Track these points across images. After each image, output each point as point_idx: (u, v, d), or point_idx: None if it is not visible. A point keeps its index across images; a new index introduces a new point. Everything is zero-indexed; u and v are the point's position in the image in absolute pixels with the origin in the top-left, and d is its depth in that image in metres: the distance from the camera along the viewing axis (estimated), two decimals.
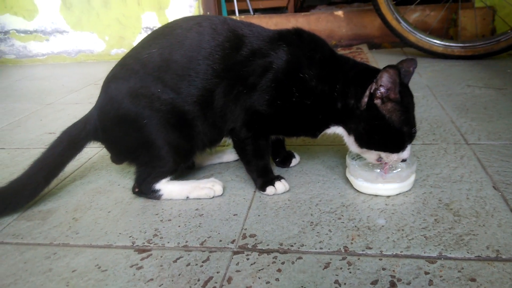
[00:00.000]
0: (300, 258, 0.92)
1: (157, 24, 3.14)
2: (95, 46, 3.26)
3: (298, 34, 1.14)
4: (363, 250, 0.93)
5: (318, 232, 1.00)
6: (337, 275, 0.86)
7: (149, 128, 1.12)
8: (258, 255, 0.94)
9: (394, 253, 0.91)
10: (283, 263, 0.91)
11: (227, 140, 1.22)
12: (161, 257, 0.95)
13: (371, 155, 1.12)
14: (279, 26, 1.16)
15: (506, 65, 2.34)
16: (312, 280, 0.85)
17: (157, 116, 1.11)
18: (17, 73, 3.06)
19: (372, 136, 1.07)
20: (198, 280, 0.87)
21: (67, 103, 2.23)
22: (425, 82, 2.12)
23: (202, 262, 0.93)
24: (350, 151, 1.18)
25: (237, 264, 0.91)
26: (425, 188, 1.15)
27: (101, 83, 1.23)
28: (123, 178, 1.34)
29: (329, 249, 0.94)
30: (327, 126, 1.14)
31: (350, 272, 0.86)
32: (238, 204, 1.14)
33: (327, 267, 0.88)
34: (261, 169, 1.18)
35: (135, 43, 1.24)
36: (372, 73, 1.04)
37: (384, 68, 0.99)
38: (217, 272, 0.89)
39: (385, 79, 1.00)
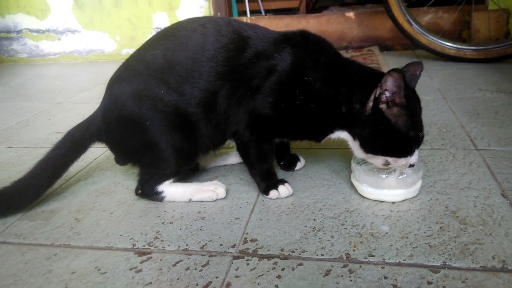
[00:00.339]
0: (300, 264, 0.90)
1: (167, 24, 3.14)
2: (106, 46, 3.28)
3: (303, 36, 1.12)
4: (365, 258, 0.91)
5: (320, 238, 0.98)
6: (337, 283, 0.84)
7: (152, 130, 1.11)
8: (259, 260, 0.92)
9: (397, 261, 0.89)
10: (283, 269, 0.89)
11: (231, 143, 1.21)
12: (160, 260, 0.95)
13: (377, 160, 1.10)
14: (289, 27, 1.15)
15: None
16: (311, 287, 0.84)
17: (160, 117, 1.11)
18: (29, 72, 3.09)
19: (377, 141, 1.05)
20: (197, 285, 0.86)
21: (76, 103, 2.24)
22: (436, 85, 2.09)
23: (202, 266, 0.92)
24: (355, 156, 1.16)
25: (237, 269, 0.90)
26: (431, 195, 1.12)
27: None
28: (127, 179, 1.33)
29: (330, 256, 0.92)
30: (332, 131, 1.13)
31: (351, 280, 0.85)
32: (241, 208, 1.13)
33: (327, 274, 0.87)
34: (265, 173, 1.17)
35: None
36: (378, 77, 1.02)
37: (389, 72, 0.97)
38: (216, 277, 0.88)
39: (389, 83, 0.98)
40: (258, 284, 0.86)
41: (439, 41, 2.46)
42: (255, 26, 1.16)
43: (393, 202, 1.10)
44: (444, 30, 2.68)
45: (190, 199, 1.17)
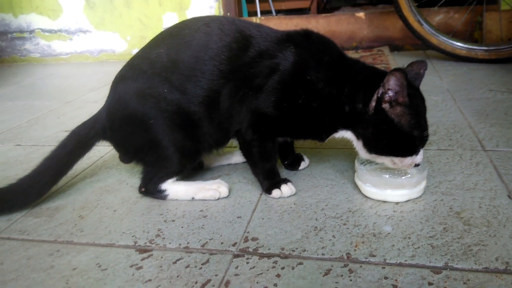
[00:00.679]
0: (300, 263, 0.90)
1: None
2: (117, 46, 3.30)
3: (306, 35, 1.12)
4: (366, 258, 0.90)
5: (321, 238, 0.98)
6: (337, 282, 0.84)
7: (156, 128, 1.12)
8: (259, 259, 0.92)
9: (398, 262, 0.88)
10: (283, 268, 0.89)
11: (234, 142, 1.21)
12: (161, 257, 0.95)
13: (384, 160, 1.10)
14: (299, 28, 1.14)
15: None
16: (310, 286, 0.83)
17: (163, 116, 1.11)
18: (41, 72, 3.13)
19: (380, 141, 1.04)
20: (196, 283, 0.86)
21: (85, 102, 2.26)
22: (445, 85, 2.07)
23: (202, 264, 0.92)
24: (359, 156, 1.15)
25: (237, 267, 0.90)
26: (436, 195, 1.11)
27: None
28: (132, 177, 1.34)
29: (331, 255, 0.92)
30: (335, 130, 1.12)
31: (351, 280, 0.84)
32: (243, 207, 1.13)
33: (327, 274, 0.86)
34: (267, 172, 1.16)
35: None
36: (381, 77, 1.01)
37: (391, 71, 0.96)
38: (216, 275, 0.88)
39: (392, 83, 0.98)
40: (257, 282, 0.85)
41: (450, 41, 2.43)
42: (259, 25, 1.16)
43: (397, 203, 1.09)
44: (455, 30, 2.65)
45: (193, 198, 1.17)
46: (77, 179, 1.36)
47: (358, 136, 1.09)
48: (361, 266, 0.88)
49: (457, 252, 0.89)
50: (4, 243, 1.04)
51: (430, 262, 0.87)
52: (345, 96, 1.06)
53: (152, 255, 0.96)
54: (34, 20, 3.36)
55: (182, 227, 1.06)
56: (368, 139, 1.06)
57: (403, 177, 1.09)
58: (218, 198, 1.17)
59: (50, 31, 3.37)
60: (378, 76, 1.03)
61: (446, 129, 1.53)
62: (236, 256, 0.94)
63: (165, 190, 1.17)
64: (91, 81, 2.71)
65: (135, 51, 3.25)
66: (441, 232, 0.96)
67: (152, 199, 1.19)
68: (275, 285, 0.84)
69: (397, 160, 1.06)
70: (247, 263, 0.91)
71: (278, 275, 0.87)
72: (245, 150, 1.17)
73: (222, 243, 0.98)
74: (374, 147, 1.06)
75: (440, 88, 2.02)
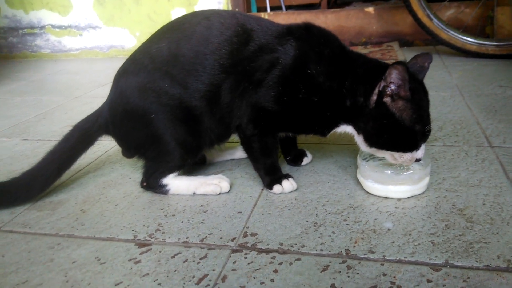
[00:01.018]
0: (298, 259, 0.89)
1: None
2: (126, 42, 3.31)
3: (307, 28, 1.10)
4: (365, 254, 0.89)
5: (321, 234, 0.97)
6: (334, 278, 0.83)
7: (157, 123, 1.12)
8: (257, 254, 0.92)
9: (397, 259, 0.87)
10: (280, 263, 0.88)
11: (237, 137, 1.20)
12: (160, 252, 0.95)
13: (385, 155, 1.08)
14: None
15: None
16: (307, 282, 0.82)
17: (165, 111, 1.11)
18: (51, 67, 3.15)
19: (381, 136, 1.03)
20: (193, 277, 0.86)
21: (93, 97, 2.27)
22: (454, 81, 2.04)
23: (200, 259, 0.92)
24: (362, 151, 1.14)
25: (234, 262, 0.90)
26: (439, 192, 1.10)
27: None
28: (135, 172, 1.34)
29: (330, 251, 0.91)
30: (336, 125, 1.11)
31: (349, 276, 0.83)
32: (244, 202, 1.12)
33: (325, 270, 0.85)
34: (269, 167, 1.16)
35: None
36: (383, 70, 0.99)
37: (392, 64, 0.94)
38: (213, 270, 0.88)
39: (394, 76, 0.96)
40: (254, 277, 0.85)
41: (460, 36, 2.40)
42: (260, 19, 1.15)
43: (399, 199, 1.08)
44: (465, 25, 2.61)
45: (194, 193, 1.17)
46: (81, 173, 1.37)
47: (359, 130, 1.07)
48: (359, 263, 0.87)
49: (458, 250, 0.88)
50: (6, 236, 1.05)
51: (430, 259, 0.86)
52: (346, 90, 1.05)
53: (151, 249, 0.96)
54: (44, 16, 3.39)
55: (182, 222, 1.05)
56: (368, 133, 1.05)
57: (405, 173, 1.07)
58: (219, 193, 1.16)
59: (60, 27, 3.40)
60: (379, 69, 1.02)
61: (453, 125, 1.51)
62: (234, 251, 0.93)
63: (167, 184, 1.17)
64: (99, 77, 2.72)
65: None
66: (442, 229, 0.95)
67: (154, 194, 1.20)
68: (272, 280, 0.84)
69: (397, 155, 1.04)
70: (245, 258, 0.91)
71: (275, 271, 0.86)
72: (246, 145, 1.16)
73: (221, 238, 0.98)
74: (374, 141, 1.05)
75: (449, 84, 1.99)
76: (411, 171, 1.08)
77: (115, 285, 0.86)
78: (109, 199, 1.19)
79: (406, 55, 2.58)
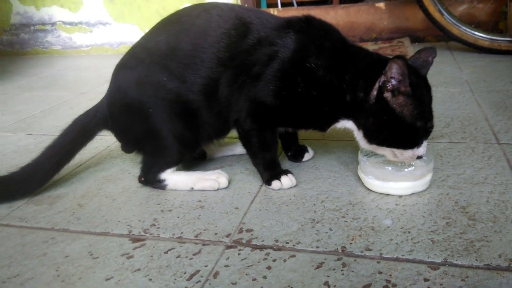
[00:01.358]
0: (293, 256, 0.87)
1: None
2: (136, 38, 3.25)
3: (307, 21, 1.08)
4: (361, 252, 0.87)
5: (317, 230, 0.94)
6: (328, 276, 0.81)
7: (154, 117, 1.10)
8: (251, 250, 0.90)
9: (394, 257, 0.84)
10: (274, 260, 0.86)
11: (236, 132, 1.18)
12: (153, 247, 0.94)
13: (384, 151, 1.06)
14: None
15: None
16: (300, 280, 0.80)
17: (162, 105, 1.09)
18: (61, 63, 3.17)
19: (381, 132, 1.00)
20: (185, 273, 0.85)
21: (100, 93, 2.23)
22: (465, 77, 1.99)
23: (193, 255, 0.90)
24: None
25: (227, 259, 0.88)
26: (442, 189, 1.06)
27: None
28: (135, 167, 1.33)
29: (325, 248, 0.89)
30: (336, 120, 1.08)
31: (343, 274, 0.81)
32: (242, 198, 1.10)
33: (319, 267, 0.83)
34: (268, 163, 1.14)
35: None
36: (384, 65, 0.96)
37: (392, 58, 0.92)
38: (205, 266, 0.86)
39: (394, 71, 0.93)
40: (246, 274, 0.83)
41: (472, 31, 2.34)
42: (259, 11, 1.13)
43: (400, 196, 1.05)
44: (477, 20, 2.55)
45: (192, 188, 1.15)
46: (82, 168, 1.36)
47: (359, 126, 1.05)
48: (355, 260, 0.84)
49: (458, 248, 0.85)
50: (2, 229, 1.05)
51: (428, 258, 0.83)
52: (346, 84, 1.02)
53: (145, 244, 0.95)
54: (55, 12, 3.41)
55: (178, 217, 1.04)
56: (368, 129, 1.02)
57: (406, 170, 1.04)
58: (218, 189, 1.15)
59: (71, 24, 3.41)
60: (381, 64, 0.99)
61: (461, 121, 1.47)
62: (228, 247, 0.92)
63: (164, 180, 1.16)
64: (108, 73, 2.67)
65: None
66: (443, 226, 0.92)
67: (152, 189, 1.18)
68: (264, 277, 0.82)
69: (397, 152, 1.02)
70: (239, 254, 0.89)
71: (268, 267, 0.84)
72: (244, 140, 1.14)
73: (216, 234, 0.97)
74: (374, 137, 1.02)
75: (459, 80, 1.95)
76: (413, 168, 1.05)
77: (106, 280, 0.85)
78: (107, 193, 1.18)
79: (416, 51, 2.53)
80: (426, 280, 0.78)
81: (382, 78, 0.96)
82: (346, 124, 1.08)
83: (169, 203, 1.11)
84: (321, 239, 0.91)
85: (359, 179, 1.14)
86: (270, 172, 1.13)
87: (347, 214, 0.99)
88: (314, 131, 1.17)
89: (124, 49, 3.33)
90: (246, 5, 3.02)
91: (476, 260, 0.81)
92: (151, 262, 0.89)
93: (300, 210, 1.03)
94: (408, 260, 0.83)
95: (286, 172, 1.13)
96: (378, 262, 0.83)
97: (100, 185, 1.24)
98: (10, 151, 1.54)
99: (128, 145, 1.22)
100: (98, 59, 3.23)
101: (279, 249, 0.90)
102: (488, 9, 2.61)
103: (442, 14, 2.36)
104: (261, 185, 1.16)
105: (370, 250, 0.87)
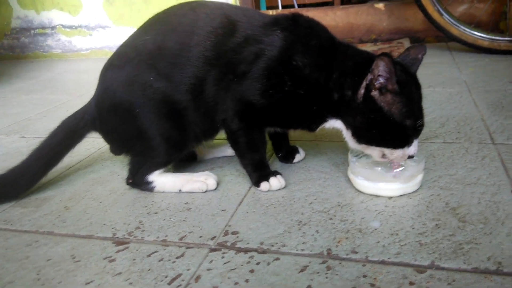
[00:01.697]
0: (277, 259, 0.85)
1: None
2: None
3: (294, 19, 1.06)
4: (347, 254, 0.84)
5: (304, 233, 0.92)
6: (311, 279, 0.79)
7: (141, 118, 1.09)
8: (235, 253, 0.88)
9: (380, 259, 0.82)
10: (258, 263, 0.84)
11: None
12: (136, 250, 0.92)
13: (373, 152, 1.03)
14: None
15: None
16: (283, 283, 0.78)
17: (150, 105, 1.08)
18: (60, 67, 3.17)
19: (369, 131, 0.98)
20: (166, 277, 0.83)
21: None
22: (463, 77, 1.96)
23: (176, 258, 0.88)
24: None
25: (211, 262, 0.86)
26: (433, 190, 1.04)
27: None
28: (125, 169, 1.30)
29: (311, 251, 0.86)
30: (324, 119, 1.06)
31: (327, 277, 0.79)
32: (229, 200, 1.09)
33: (303, 270, 0.81)
34: (256, 164, 1.12)
35: None
36: (372, 63, 0.94)
37: (378, 56, 0.90)
38: (188, 270, 0.84)
39: (381, 68, 0.91)
40: (228, 278, 0.81)
41: (471, 31, 2.31)
42: (247, 9, 1.11)
43: (390, 197, 1.03)
44: (477, 20, 2.52)
45: (180, 190, 1.14)
46: (71, 170, 1.35)
47: (348, 125, 1.03)
48: (340, 263, 0.82)
49: (446, 251, 0.83)
50: None
51: (415, 261, 0.81)
52: (334, 83, 1.00)
53: (128, 247, 0.94)
54: (55, 16, 3.41)
55: (163, 220, 1.02)
56: (357, 128, 1.00)
57: (396, 170, 1.02)
58: (206, 191, 1.13)
59: (70, 27, 3.42)
60: (369, 62, 0.96)
61: (456, 121, 1.45)
62: (212, 250, 0.90)
63: (152, 181, 1.14)
64: None
65: None
66: (432, 228, 0.90)
67: (140, 191, 1.17)
68: (247, 281, 0.80)
69: (387, 151, 0.99)
70: (222, 257, 0.87)
71: (251, 271, 0.82)
72: (232, 140, 1.12)
73: (200, 236, 0.95)
74: (363, 137, 1.00)
75: (457, 80, 1.92)
76: (402, 168, 1.03)
77: (86, 284, 0.83)
78: (94, 196, 1.17)
79: None
80: (411, 283, 0.75)
81: (369, 76, 0.94)
82: (335, 123, 1.06)
83: (156, 205, 1.09)
84: (306, 242, 0.89)
85: (349, 180, 1.11)
86: (259, 173, 1.11)
87: (334, 216, 0.97)
88: (305, 132, 1.15)
89: None
90: (245, 5, 3.01)
91: (464, 263, 0.79)
92: (133, 266, 0.87)
93: (287, 212, 1.01)
94: (394, 263, 0.81)
95: (275, 173, 1.11)
96: (364, 265, 0.81)
97: (88, 188, 1.22)
98: (1, 154, 1.53)
99: (116, 146, 1.21)
100: (98, 62, 3.20)
101: (263, 252, 0.88)
102: (488, 9, 2.58)
103: (441, 14, 2.34)
104: (250, 187, 1.14)
105: (356, 252, 0.85)
